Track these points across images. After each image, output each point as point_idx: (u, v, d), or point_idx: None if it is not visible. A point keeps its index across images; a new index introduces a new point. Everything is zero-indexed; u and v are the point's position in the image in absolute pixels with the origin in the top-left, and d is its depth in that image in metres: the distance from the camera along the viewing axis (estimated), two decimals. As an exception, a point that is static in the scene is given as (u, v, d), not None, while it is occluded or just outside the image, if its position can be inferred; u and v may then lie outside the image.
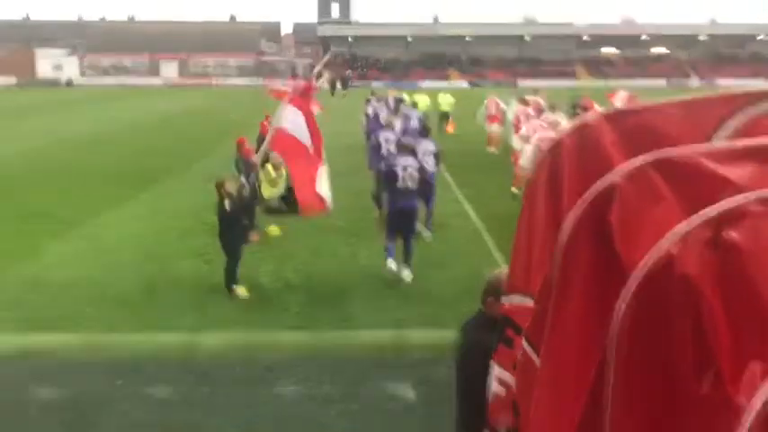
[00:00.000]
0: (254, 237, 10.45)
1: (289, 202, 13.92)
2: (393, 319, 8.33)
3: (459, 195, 15.96)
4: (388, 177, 9.91)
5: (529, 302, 2.13)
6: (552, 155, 2.07)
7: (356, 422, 6.07)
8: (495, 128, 22.86)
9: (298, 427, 6.02)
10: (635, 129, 1.95)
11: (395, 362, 7.26)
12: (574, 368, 1.71)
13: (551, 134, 13.64)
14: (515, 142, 17.25)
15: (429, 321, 8.25)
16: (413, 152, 10.42)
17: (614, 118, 2.01)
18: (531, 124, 16.20)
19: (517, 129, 18.12)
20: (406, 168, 9.77)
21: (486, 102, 23.49)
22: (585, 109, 19.55)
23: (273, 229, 12.21)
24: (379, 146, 14.21)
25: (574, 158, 1.98)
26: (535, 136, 14.58)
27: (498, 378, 2.53)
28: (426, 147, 11.96)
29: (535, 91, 23.86)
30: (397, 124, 15.73)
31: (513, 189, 15.42)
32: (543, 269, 1.89)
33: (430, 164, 11.70)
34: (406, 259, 9.80)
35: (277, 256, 10.90)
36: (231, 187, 9.26)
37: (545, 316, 1.79)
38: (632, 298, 1.47)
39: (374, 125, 18.46)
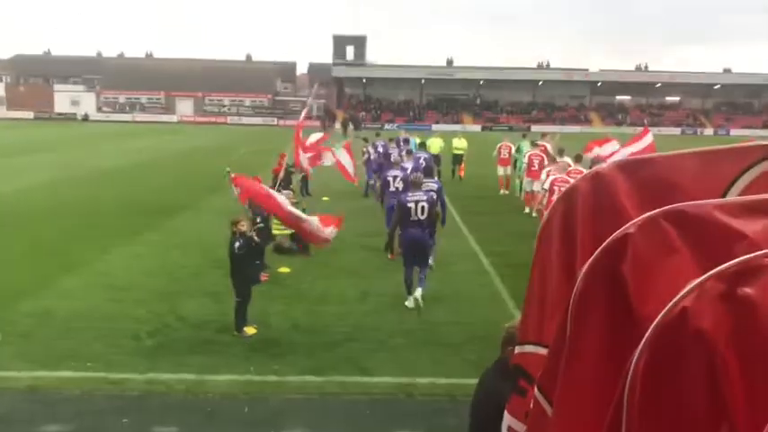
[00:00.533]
0: (263, 277, 10.47)
1: (298, 240, 13.98)
2: (402, 364, 8.26)
3: (470, 239, 15.93)
4: (401, 212, 10.62)
5: (542, 352, 2.11)
6: (566, 201, 2.05)
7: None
8: (505, 171, 23.89)
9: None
10: (648, 179, 1.95)
11: (405, 408, 7.17)
12: (586, 419, 1.70)
13: (563, 176, 14.78)
14: (534, 185, 18.27)
15: (437, 367, 8.17)
16: (422, 188, 11.30)
17: (628, 167, 2.01)
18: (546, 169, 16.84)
19: (530, 170, 19.19)
20: (418, 203, 10.53)
21: (498, 145, 24.09)
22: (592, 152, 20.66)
23: (283, 269, 12.22)
24: (387, 184, 15.02)
25: (588, 206, 1.97)
26: (549, 179, 15.13)
27: (509, 427, 2.53)
28: (429, 185, 12.48)
29: (543, 135, 24.27)
30: (408, 164, 16.63)
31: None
32: (556, 318, 1.87)
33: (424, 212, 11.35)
34: (420, 283, 10.57)
35: (286, 296, 10.88)
36: (245, 226, 9.30)
37: (558, 366, 1.78)
38: (646, 350, 1.46)
39: (383, 164, 19.93)
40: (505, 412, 2.56)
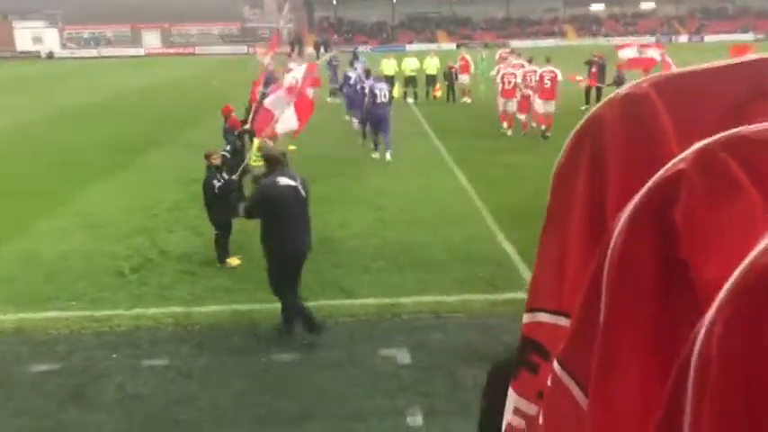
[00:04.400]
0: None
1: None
2: (386, 286, 8.36)
3: (449, 161, 15.93)
4: (371, 97, 16.08)
5: (562, 322, 1.78)
6: (589, 133, 1.66)
7: (354, 386, 6.12)
8: (465, 78, 26.69)
9: (295, 392, 6.06)
10: (686, 97, 1.57)
11: (390, 327, 7.30)
12: (635, 410, 1.38)
13: (510, 69, 19.17)
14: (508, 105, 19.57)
15: (421, 286, 8.28)
16: (385, 81, 17.48)
17: (663, 85, 1.61)
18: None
19: (504, 90, 19.50)
20: (381, 90, 16.10)
21: (458, 58, 27.11)
22: (599, 60, 22.79)
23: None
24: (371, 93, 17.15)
25: (619, 137, 1.59)
26: (499, 74, 19.44)
27: (516, 408, 2.10)
28: (384, 85, 16.88)
29: (503, 45, 28.42)
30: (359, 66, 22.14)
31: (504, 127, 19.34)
32: (581, 281, 1.55)
33: (386, 98, 16.43)
34: (388, 148, 15.87)
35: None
36: (218, 160, 9.21)
37: (588, 341, 1.47)
38: (720, 321, 1.15)
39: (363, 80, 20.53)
40: (510, 390, 2.23)
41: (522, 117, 19.19)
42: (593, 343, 1.42)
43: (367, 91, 16.86)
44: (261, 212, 6.89)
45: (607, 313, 1.38)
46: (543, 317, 1.87)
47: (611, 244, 1.36)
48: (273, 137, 12.46)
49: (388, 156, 15.67)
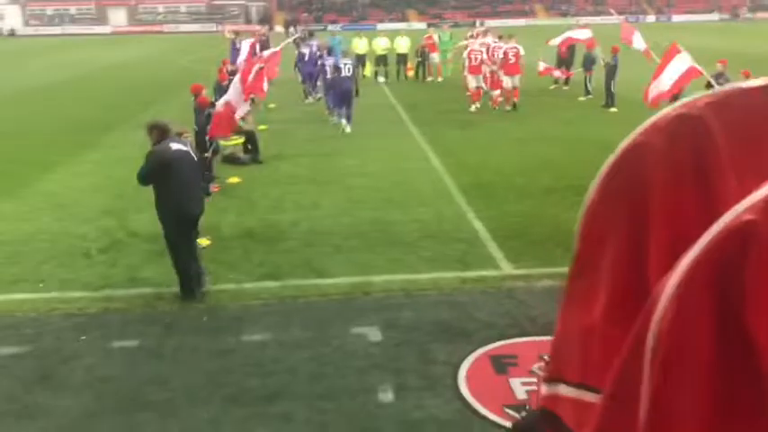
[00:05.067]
0: (214, 188, 10.35)
1: (249, 150, 13.81)
2: (358, 265, 8.38)
3: (420, 140, 15.94)
4: (335, 70, 17.48)
5: (587, 397, 1.55)
6: (630, 169, 1.38)
7: (325, 365, 6.14)
8: (435, 57, 26.72)
9: (268, 372, 6.07)
10: (745, 121, 1.30)
11: (361, 305, 7.33)
12: None
13: (476, 47, 20.03)
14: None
15: (393, 265, 8.32)
16: (350, 58, 18.87)
17: (720, 105, 1.34)
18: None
19: (471, 66, 20.18)
20: (346, 64, 17.42)
21: (424, 37, 27.16)
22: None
23: (233, 179, 12.08)
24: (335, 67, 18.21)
25: (667, 174, 1.31)
26: (466, 51, 20.44)
27: None
28: (348, 60, 18.30)
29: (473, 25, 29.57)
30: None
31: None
32: (612, 351, 1.31)
33: (350, 72, 17.67)
34: (349, 120, 16.84)
35: (238, 206, 10.81)
36: (190, 136, 9.14)
37: (628, 419, 1.22)
38: None
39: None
40: None
41: (494, 93, 19.87)
42: (633, 423, 1.19)
43: (330, 66, 18.13)
44: (157, 178, 7.26)
45: (655, 389, 1.14)
46: (565, 390, 1.65)
47: (659, 311, 1.11)
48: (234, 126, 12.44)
49: (348, 128, 16.67)
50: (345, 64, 17.40)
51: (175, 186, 7.20)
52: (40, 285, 7.98)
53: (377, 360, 6.22)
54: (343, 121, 16.86)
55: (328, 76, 18.25)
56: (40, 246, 9.25)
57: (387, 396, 5.67)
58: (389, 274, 8.06)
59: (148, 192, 11.58)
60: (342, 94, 17.06)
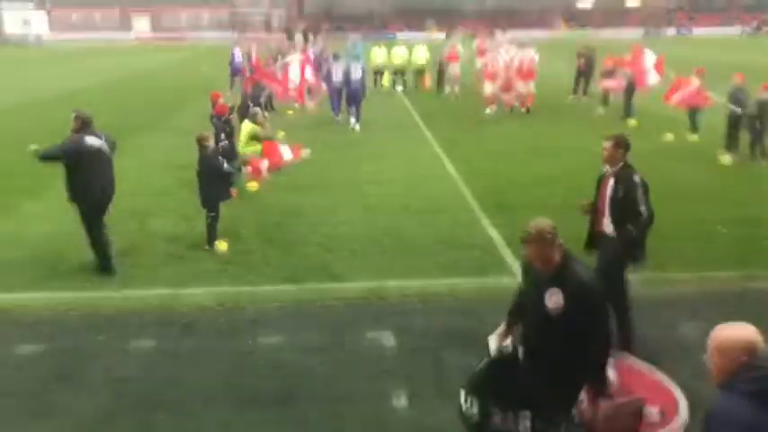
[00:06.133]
0: (233, 192, 10.43)
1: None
2: (374, 270, 8.40)
3: (436, 148, 15.97)
4: (345, 76, 19.05)
5: None
6: None
7: (340, 369, 6.17)
8: (454, 67, 26.06)
9: (283, 374, 6.10)
10: None
11: (376, 310, 7.35)
12: None
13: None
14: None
15: (408, 271, 8.34)
16: (359, 62, 19.89)
17: None
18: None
19: (487, 72, 21.38)
20: (355, 68, 18.98)
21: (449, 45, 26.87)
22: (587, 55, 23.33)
23: (252, 185, 12.17)
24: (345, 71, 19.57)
25: None
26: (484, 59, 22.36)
27: None
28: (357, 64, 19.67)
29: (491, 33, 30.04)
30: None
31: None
32: None
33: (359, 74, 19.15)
34: (358, 119, 18.61)
35: (257, 210, 10.89)
36: (212, 140, 9.33)
37: None
38: None
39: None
40: None
41: (507, 97, 21.05)
42: None
43: (338, 70, 19.66)
44: (68, 164, 8.12)
45: None
46: None
47: None
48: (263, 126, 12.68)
49: (357, 126, 18.50)
50: (354, 68, 19.03)
51: (86, 175, 8.12)
52: (60, 285, 8.08)
53: (391, 365, 6.23)
54: (352, 120, 18.55)
55: (334, 78, 19.56)
56: (60, 246, 9.37)
57: (400, 402, 5.69)
58: (405, 279, 8.08)
59: (168, 196, 11.82)
60: (351, 95, 18.84)
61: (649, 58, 18.79)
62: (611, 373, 4.58)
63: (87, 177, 8.17)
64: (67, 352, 6.57)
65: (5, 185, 12.63)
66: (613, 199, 6.18)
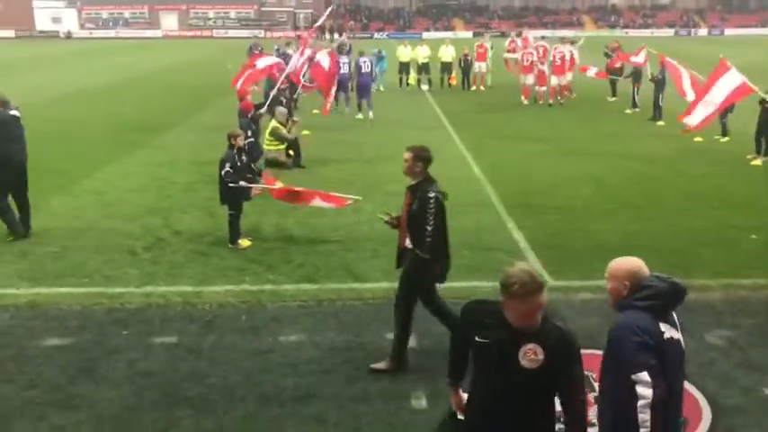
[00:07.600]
0: (256, 190, 10.49)
1: (290, 155, 13.99)
2: (395, 271, 8.37)
3: (461, 146, 15.92)
4: (357, 68, 20.85)
5: None
6: None
7: (360, 368, 6.18)
8: (482, 66, 27.26)
9: (303, 372, 6.13)
10: None
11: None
12: None
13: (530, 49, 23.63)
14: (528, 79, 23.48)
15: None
16: (368, 56, 21.53)
17: None
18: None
19: (523, 66, 23.61)
20: (365, 62, 20.90)
21: (476, 45, 27.56)
22: (615, 51, 23.87)
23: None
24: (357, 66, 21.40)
25: None
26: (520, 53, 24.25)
27: None
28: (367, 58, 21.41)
29: (518, 34, 30.01)
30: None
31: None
32: None
33: (369, 68, 21.05)
34: (370, 109, 20.38)
35: (279, 209, 10.93)
36: (241, 140, 9.40)
37: None
38: None
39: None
40: None
41: (541, 89, 23.12)
42: None
43: (352, 65, 21.70)
44: None
45: None
46: None
47: None
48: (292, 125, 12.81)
49: (371, 114, 20.28)
50: (364, 62, 20.91)
51: (5, 145, 9.29)
52: (86, 280, 8.20)
53: (411, 365, 6.23)
54: (365, 112, 20.43)
55: (342, 71, 20.30)
56: (86, 242, 9.51)
57: (420, 402, 5.69)
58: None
59: (193, 193, 11.93)
60: (361, 87, 20.80)
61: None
62: None
63: (5, 145, 9.40)
64: (92, 345, 6.66)
65: (34, 181, 12.74)
66: (409, 214, 5.94)
